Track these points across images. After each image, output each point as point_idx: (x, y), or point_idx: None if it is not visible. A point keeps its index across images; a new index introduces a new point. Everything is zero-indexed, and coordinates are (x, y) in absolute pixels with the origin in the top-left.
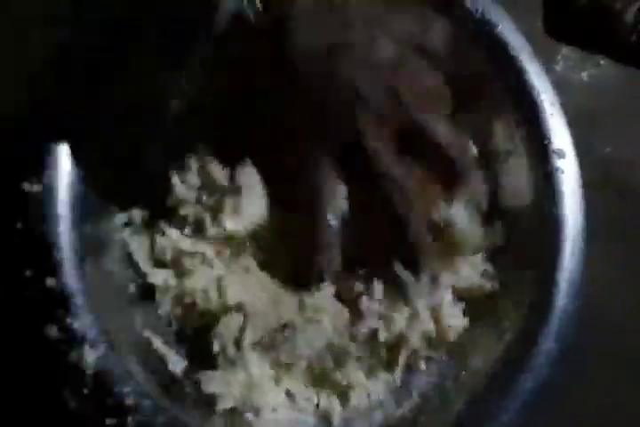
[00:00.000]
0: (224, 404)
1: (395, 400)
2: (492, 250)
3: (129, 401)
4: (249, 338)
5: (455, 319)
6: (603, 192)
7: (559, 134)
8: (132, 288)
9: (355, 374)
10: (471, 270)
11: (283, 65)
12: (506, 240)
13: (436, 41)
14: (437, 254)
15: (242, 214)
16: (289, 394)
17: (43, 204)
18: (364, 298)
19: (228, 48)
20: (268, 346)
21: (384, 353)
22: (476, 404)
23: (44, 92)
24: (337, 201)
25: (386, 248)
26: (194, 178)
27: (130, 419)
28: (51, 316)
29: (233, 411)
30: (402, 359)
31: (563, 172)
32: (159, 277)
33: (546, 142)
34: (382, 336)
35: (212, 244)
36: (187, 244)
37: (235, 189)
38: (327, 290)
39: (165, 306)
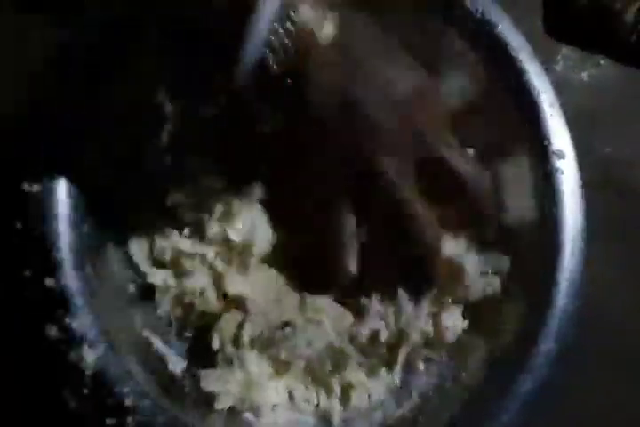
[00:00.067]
0: (223, 403)
1: (395, 400)
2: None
3: (128, 401)
4: (247, 335)
5: (454, 321)
6: (603, 192)
7: (559, 135)
8: (131, 288)
9: (355, 374)
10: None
11: (299, 105)
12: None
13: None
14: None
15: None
16: (289, 394)
17: (43, 204)
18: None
19: (244, 94)
20: (266, 344)
21: (384, 353)
22: (475, 404)
23: (44, 92)
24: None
25: (393, 275)
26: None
27: (129, 419)
28: (50, 316)
29: (232, 411)
30: (401, 360)
31: (562, 172)
32: (159, 277)
33: (546, 143)
34: (383, 337)
35: (212, 245)
36: (186, 245)
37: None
38: None
39: (165, 306)
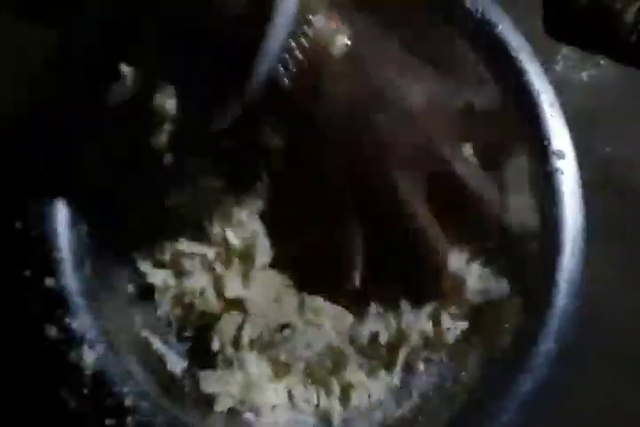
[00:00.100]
0: (223, 404)
1: (395, 401)
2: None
3: (128, 401)
4: (247, 336)
5: (454, 322)
6: (603, 192)
7: (559, 135)
8: (131, 288)
9: (355, 374)
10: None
11: (310, 119)
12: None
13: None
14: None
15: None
16: (289, 394)
17: (42, 204)
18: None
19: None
20: (266, 346)
21: (384, 354)
22: (475, 404)
23: (44, 92)
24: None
25: (395, 289)
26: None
27: (129, 419)
28: (50, 316)
29: (232, 411)
30: (401, 361)
31: (562, 172)
32: (158, 277)
33: (545, 143)
34: (383, 338)
35: (211, 245)
36: (186, 245)
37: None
38: None
39: (165, 306)
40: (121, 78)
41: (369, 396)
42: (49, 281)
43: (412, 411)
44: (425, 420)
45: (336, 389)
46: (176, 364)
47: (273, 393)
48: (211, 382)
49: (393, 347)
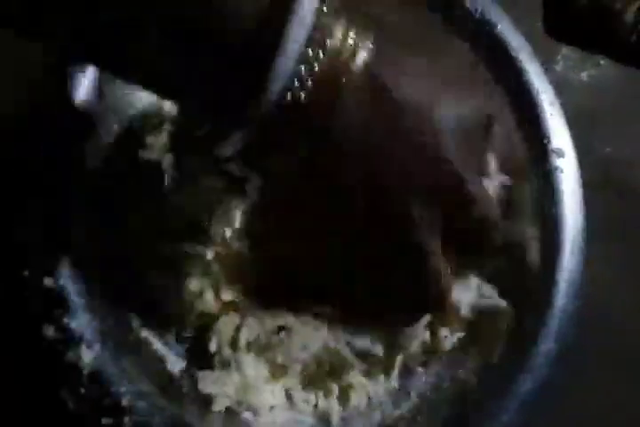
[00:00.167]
0: (220, 404)
1: (393, 401)
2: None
3: (126, 401)
4: (244, 338)
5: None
6: (603, 192)
7: (558, 134)
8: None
9: (354, 374)
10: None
11: (325, 138)
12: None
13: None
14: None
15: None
16: (287, 395)
17: (42, 204)
18: None
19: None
20: (263, 348)
21: (381, 359)
22: (475, 404)
23: (44, 92)
24: None
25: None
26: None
27: (127, 419)
28: (48, 316)
29: (230, 411)
30: (398, 366)
31: (562, 171)
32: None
33: (545, 141)
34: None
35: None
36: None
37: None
38: None
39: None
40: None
41: (368, 397)
42: (47, 281)
43: (411, 411)
44: (424, 420)
45: (335, 389)
46: (174, 364)
47: (270, 394)
48: (208, 382)
49: (390, 353)
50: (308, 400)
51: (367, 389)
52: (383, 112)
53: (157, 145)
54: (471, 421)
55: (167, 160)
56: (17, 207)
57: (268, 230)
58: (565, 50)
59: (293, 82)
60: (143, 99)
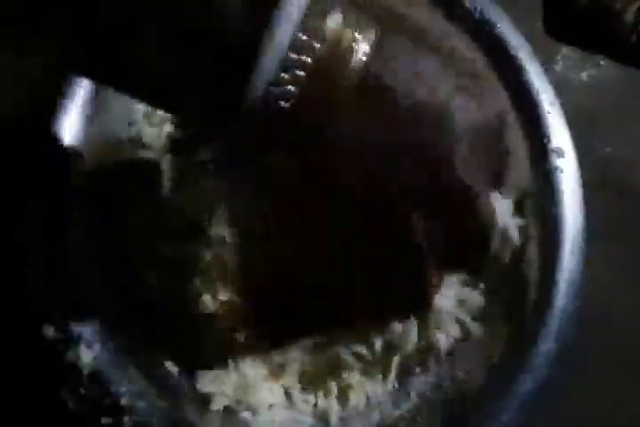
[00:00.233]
0: (219, 403)
1: (393, 401)
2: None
3: (125, 401)
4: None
5: (449, 329)
6: (602, 192)
7: (558, 133)
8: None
9: (353, 374)
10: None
11: (318, 129)
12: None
13: None
14: None
15: None
16: (286, 394)
17: (42, 204)
18: None
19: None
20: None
21: (379, 360)
22: (475, 404)
23: (44, 92)
24: None
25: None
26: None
27: (126, 419)
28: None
29: (229, 410)
30: (395, 368)
31: (562, 171)
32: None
33: (545, 141)
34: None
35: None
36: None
37: None
38: None
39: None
40: None
41: (367, 397)
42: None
43: (411, 411)
44: (424, 420)
45: (334, 389)
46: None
47: (268, 393)
48: (207, 381)
49: (386, 355)
50: (307, 400)
51: (366, 389)
52: (382, 112)
53: (157, 145)
54: (471, 421)
55: (167, 160)
56: (17, 207)
57: (268, 230)
58: (565, 50)
59: (282, 76)
60: None
